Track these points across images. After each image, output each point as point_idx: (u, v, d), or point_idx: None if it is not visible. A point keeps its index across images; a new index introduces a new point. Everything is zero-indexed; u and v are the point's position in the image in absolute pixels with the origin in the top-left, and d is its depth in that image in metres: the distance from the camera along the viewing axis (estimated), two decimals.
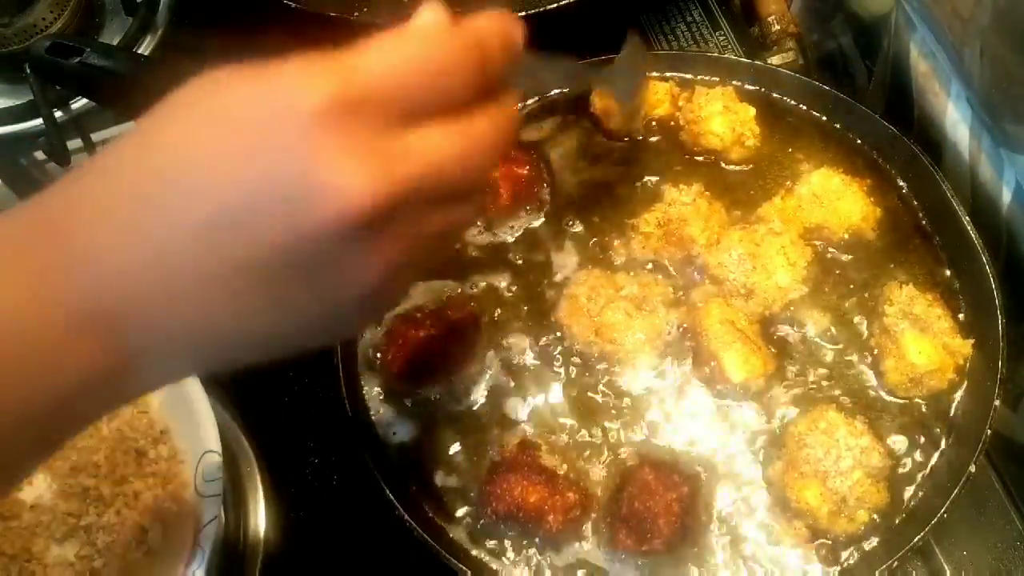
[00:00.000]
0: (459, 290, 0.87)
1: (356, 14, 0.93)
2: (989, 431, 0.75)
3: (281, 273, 0.39)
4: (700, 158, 0.93)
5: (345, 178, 0.37)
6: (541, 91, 0.57)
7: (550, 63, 0.58)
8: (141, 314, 0.40)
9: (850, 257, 0.87)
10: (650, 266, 0.87)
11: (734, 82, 0.96)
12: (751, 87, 0.96)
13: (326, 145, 0.37)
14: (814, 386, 0.81)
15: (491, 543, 0.76)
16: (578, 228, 0.90)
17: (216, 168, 0.38)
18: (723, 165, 0.93)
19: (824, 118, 0.95)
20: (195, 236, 0.38)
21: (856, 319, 0.84)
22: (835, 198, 0.87)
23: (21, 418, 0.40)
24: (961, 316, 0.84)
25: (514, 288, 0.87)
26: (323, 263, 0.39)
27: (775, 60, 1.05)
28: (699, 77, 0.97)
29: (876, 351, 0.82)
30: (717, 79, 0.96)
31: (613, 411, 0.80)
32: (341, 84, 0.38)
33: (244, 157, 0.38)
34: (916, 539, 0.72)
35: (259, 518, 0.84)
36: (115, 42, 1.08)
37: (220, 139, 0.39)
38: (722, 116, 0.91)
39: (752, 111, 0.92)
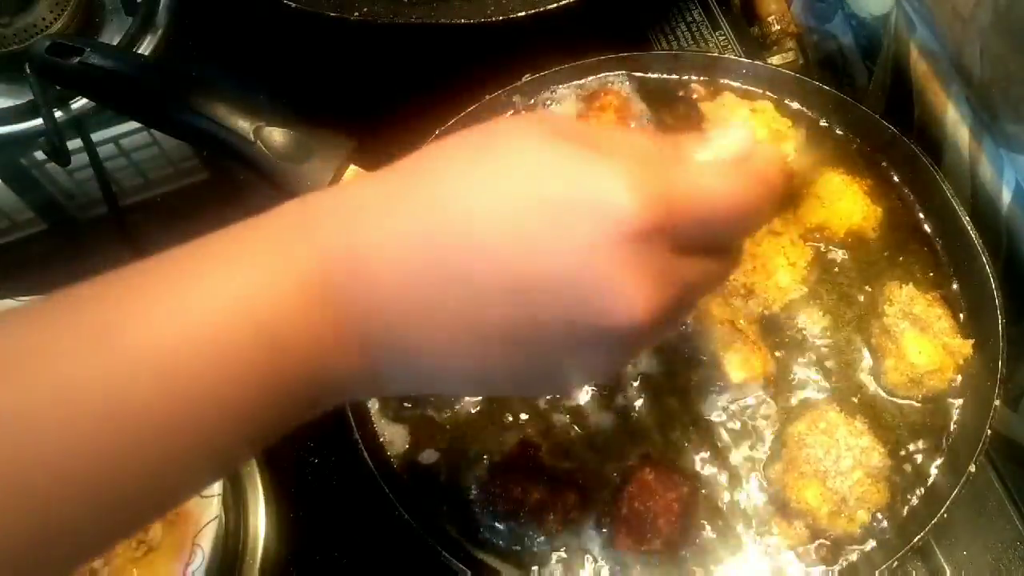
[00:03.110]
0: None
1: (356, 14, 0.93)
2: (989, 431, 0.75)
3: (539, 349, 0.43)
4: None
5: (633, 298, 0.41)
6: None
7: None
8: (397, 347, 0.43)
9: (850, 257, 0.87)
10: None
11: (732, 82, 0.96)
12: (751, 88, 0.96)
13: (629, 263, 0.41)
14: (814, 386, 0.81)
15: (491, 543, 0.76)
16: None
17: (521, 245, 0.41)
18: None
19: (824, 118, 0.95)
20: (479, 298, 0.42)
21: (856, 319, 0.84)
22: (835, 198, 0.87)
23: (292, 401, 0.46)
24: (961, 316, 0.84)
25: None
26: (574, 354, 0.43)
27: (775, 60, 1.05)
28: (697, 76, 0.97)
29: (876, 351, 0.82)
30: (714, 78, 0.96)
31: (613, 411, 0.80)
32: (666, 214, 0.41)
33: (555, 249, 0.41)
34: (916, 539, 0.72)
35: (259, 518, 0.84)
36: (115, 42, 1.08)
37: (533, 220, 0.41)
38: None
39: (788, 123, 0.91)
